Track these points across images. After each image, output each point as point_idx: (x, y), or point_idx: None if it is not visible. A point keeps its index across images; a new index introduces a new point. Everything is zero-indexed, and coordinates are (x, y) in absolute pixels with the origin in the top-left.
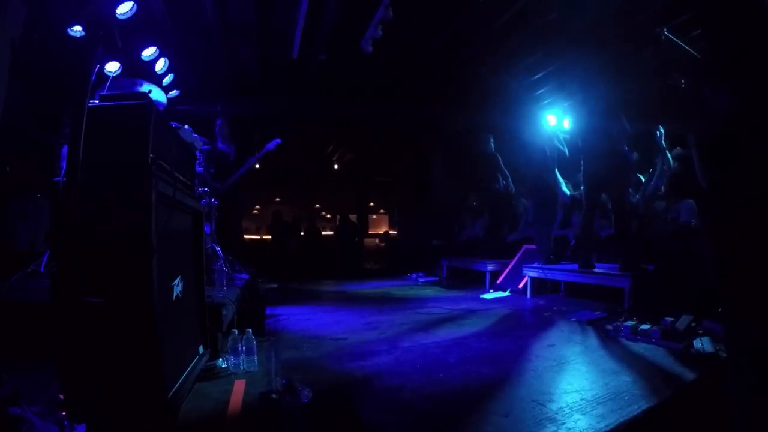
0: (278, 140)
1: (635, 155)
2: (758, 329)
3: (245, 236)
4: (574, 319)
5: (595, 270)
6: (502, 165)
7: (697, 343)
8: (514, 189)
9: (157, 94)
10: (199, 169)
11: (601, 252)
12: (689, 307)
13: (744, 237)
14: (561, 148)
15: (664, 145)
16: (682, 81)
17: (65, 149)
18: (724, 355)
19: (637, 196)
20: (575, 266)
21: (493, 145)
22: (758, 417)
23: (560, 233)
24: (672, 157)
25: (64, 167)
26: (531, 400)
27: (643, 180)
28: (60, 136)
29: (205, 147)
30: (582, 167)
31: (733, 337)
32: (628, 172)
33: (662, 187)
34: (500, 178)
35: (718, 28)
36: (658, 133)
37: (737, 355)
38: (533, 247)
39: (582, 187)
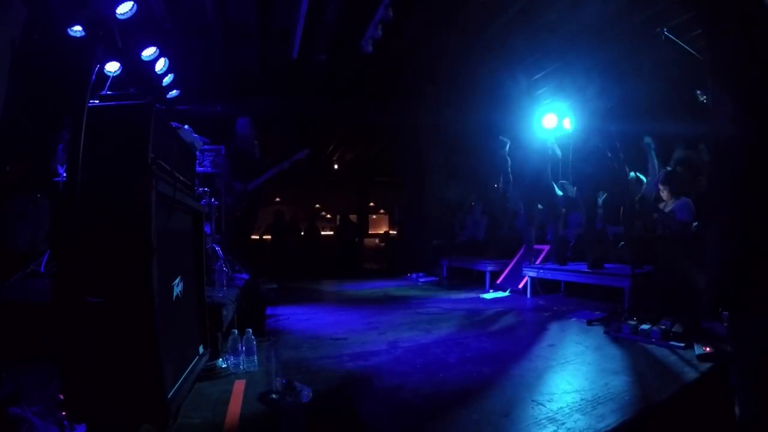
0: (307, 150)
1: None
2: (758, 322)
3: None
4: (574, 319)
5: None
6: (508, 166)
7: (697, 343)
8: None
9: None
10: (216, 170)
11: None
12: (689, 307)
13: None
14: (555, 150)
15: (653, 154)
16: (704, 98)
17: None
18: (728, 349)
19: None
20: (575, 266)
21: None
22: (761, 408)
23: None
24: (673, 159)
25: (65, 167)
26: (531, 400)
27: (642, 178)
28: (60, 136)
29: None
30: (572, 168)
31: (735, 330)
32: (617, 172)
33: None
34: (502, 179)
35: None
36: (646, 141)
37: (740, 347)
38: (535, 247)
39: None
